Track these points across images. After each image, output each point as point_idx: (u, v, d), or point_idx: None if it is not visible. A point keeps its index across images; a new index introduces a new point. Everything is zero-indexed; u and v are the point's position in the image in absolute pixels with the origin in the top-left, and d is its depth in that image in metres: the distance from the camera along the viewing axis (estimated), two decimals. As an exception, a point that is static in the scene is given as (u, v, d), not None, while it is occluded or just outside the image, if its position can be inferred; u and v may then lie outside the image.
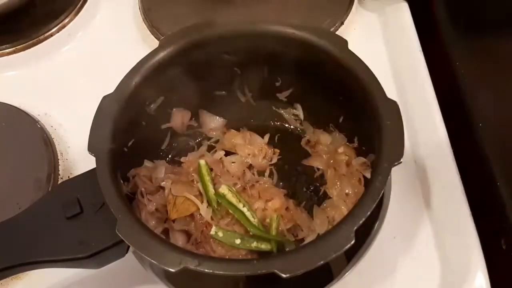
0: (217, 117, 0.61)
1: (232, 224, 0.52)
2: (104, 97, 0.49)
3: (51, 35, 0.78)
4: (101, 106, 0.48)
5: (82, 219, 0.46)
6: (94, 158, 0.45)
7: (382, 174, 0.42)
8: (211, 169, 0.56)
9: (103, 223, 0.45)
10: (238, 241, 0.50)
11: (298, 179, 0.58)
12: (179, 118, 0.58)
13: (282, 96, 0.60)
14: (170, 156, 0.60)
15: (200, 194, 0.54)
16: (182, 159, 0.59)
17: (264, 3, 0.75)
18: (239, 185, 0.56)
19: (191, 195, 0.53)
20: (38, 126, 0.66)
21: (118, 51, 0.74)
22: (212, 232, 0.51)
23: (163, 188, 0.54)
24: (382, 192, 0.42)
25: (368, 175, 0.52)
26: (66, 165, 0.65)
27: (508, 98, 0.60)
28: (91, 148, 0.46)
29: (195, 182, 0.55)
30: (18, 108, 0.68)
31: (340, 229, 0.40)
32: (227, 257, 0.51)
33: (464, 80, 0.64)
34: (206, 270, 0.39)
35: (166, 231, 0.53)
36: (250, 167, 0.58)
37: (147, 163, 0.56)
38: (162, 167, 0.55)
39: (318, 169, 0.58)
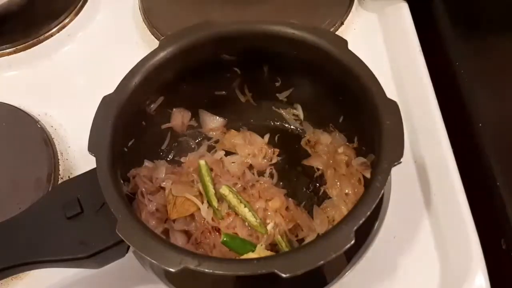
0: (217, 117, 0.61)
1: (233, 227, 0.52)
2: (104, 97, 0.49)
3: (51, 35, 0.78)
4: (101, 106, 0.48)
5: (82, 219, 0.46)
6: (94, 158, 0.45)
7: (382, 174, 0.42)
8: (211, 169, 0.56)
9: (103, 223, 0.45)
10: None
11: (298, 179, 0.58)
12: (179, 118, 0.58)
13: (282, 96, 0.60)
14: (170, 156, 0.60)
15: (201, 194, 0.54)
16: (182, 159, 0.59)
17: (264, 3, 0.75)
18: (239, 185, 0.56)
19: (191, 195, 0.53)
20: (38, 126, 0.66)
21: (118, 51, 0.74)
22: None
23: (163, 188, 0.54)
24: (382, 192, 0.42)
25: (368, 175, 0.52)
26: (66, 165, 0.65)
27: (508, 98, 0.60)
28: (91, 148, 0.46)
29: (195, 182, 0.55)
30: (18, 108, 0.68)
31: (340, 229, 0.40)
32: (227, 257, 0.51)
33: (464, 80, 0.64)
34: (206, 270, 0.39)
35: (166, 231, 0.53)
36: (250, 167, 0.58)
37: (147, 163, 0.56)
38: (163, 167, 0.55)
39: (318, 169, 0.58)
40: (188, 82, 0.55)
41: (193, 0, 0.78)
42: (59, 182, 0.62)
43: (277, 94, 0.60)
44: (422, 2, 0.73)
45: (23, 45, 0.76)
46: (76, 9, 0.80)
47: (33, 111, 0.69)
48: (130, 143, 0.52)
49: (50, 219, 0.46)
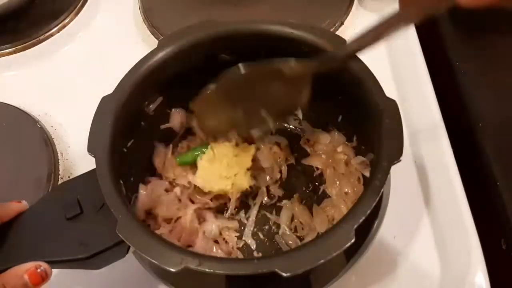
0: (216, 117, 0.61)
1: None
2: (104, 98, 0.49)
3: (51, 35, 0.78)
4: (100, 106, 0.48)
5: (82, 219, 0.46)
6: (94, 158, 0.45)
7: (382, 173, 0.42)
8: None
9: (103, 224, 0.44)
10: None
11: (297, 179, 0.58)
12: (178, 119, 0.58)
13: (281, 95, 0.60)
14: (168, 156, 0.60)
15: None
16: None
17: (264, 3, 0.75)
18: None
19: None
20: (38, 126, 0.66)
21: (118, 51, 0.74)
22: None
23: None
24: (382, 190, 0.42)
25: (367, 174, 0.52)
26: (66, 165, 0.65)
27: (508, 98, 0.60)
28: (91, 149, 0.46)
29: None
30: (18, 108, 0.68)
31: (340, 228, 0.40)
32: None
33: (464, 80, 0.64)
34: (207, 270, 0.39)
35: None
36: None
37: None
38: None
39: (317, 168, 0.58)
40: (186, 82, 0.54)
41: (193, 0, 0.78)
42: (59, 182, 0.62)
43: (276, 94, 0.60)
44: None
45: (23, 45, 0.77)
46: (76, 9, 0.80)
47: (33, 111, 0.69)
48: (129, 144, 0.52)
49: (50, 219, 0.46)
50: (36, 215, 0.47)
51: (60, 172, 0.63)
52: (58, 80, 0.73)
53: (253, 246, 0.54)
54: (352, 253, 0.48)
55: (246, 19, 0.54)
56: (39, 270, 0.42)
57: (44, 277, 0.42)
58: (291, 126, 0.61)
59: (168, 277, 0.49)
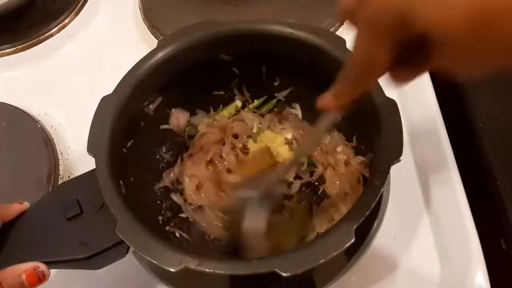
0: (215, 118, 0.61)
1: None
2: (103, 98, 0.49)
3: (51, 35, 0.78)
4: (100, 106, 0.48)
5: (82, 219, 0.46)
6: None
7: (381, 173, 0.42)
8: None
9: (103, 224, 0.44)
10: None
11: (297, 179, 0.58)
12: (178, 119, 0.58)
13: (281, 95, 0.60)
14: (168, 156, 0.60)
15: None
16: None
17: (263, 3, 0.75)
18: None
19: None
20: (38, 126, 0.66)
21: (118, 51, 0.74)
22: None
23: None
24: (382, 190, 0.42)
25: (367, 174, 0.52)
26: (66, 165, 0.65)
27: (508, 98, 0.60)
28: (91, 149, 0.46)
29: None
30: (18, 108, 0.68)
31: (340, 228, 0.40)
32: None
33: (464, 80, 0.64)
34: (207, 270, 0.39)
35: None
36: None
37: None
38: None
39: (317, 168, 0.58)
40: (186, 82, 0.55)
41: (193, 0, 0.78)
42: (59, 182, 0.62)
43: (276, 94, 0.60)
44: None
45: (23, 45, 0.77)
46: (76, 9, 0.80)
47: (33, 111, 0.69)
48: (129, 144, 0.52)
49: (50, 220, 0.46)
50: (36, 215, 0.47)
51: (60, 172, 0.64)
52: (58, 80, 0.73)
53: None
54: (352, 253, 0.48)
55: (246, 19, 0.54)
56: (37, 271, 0.42)
57: (42, 279, 0.43)
58: (291, 126, 0.61)
59: (168, 277, 0.49)
